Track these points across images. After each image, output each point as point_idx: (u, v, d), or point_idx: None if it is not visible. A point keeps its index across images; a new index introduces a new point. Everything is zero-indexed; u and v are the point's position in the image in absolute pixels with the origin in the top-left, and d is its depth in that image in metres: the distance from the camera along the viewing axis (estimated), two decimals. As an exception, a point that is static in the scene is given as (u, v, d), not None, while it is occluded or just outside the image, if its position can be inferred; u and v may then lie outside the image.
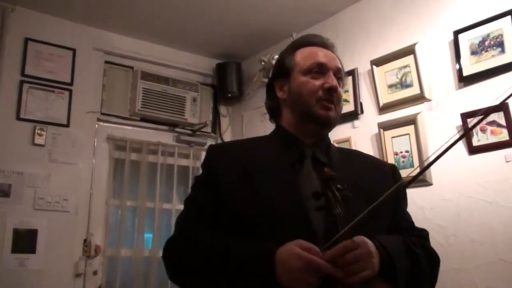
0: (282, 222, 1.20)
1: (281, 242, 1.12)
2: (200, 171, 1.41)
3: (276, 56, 3.63)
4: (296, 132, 1.37)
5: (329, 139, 1.45)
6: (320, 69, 1.34)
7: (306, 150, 1.35)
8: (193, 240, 1.26)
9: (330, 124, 1.36)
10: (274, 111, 1.46)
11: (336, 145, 3.21)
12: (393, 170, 1.45)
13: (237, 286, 1.14)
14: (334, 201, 1.14)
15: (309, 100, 1.32)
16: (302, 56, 1.38)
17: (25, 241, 3.15)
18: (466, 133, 0.90)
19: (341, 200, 1.14)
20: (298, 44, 1.43)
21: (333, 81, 1.33)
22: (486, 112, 0.91)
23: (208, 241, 1.23)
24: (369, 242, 1.12)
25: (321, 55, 1.37)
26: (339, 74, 1.38)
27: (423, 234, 1.41)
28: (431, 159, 1.04)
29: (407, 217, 1.44)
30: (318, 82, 1.32)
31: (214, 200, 1.28)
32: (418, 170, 1.09)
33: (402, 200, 1.42)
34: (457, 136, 0.96)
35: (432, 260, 1.31)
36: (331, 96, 1.32)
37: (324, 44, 1.41)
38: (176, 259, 1.29)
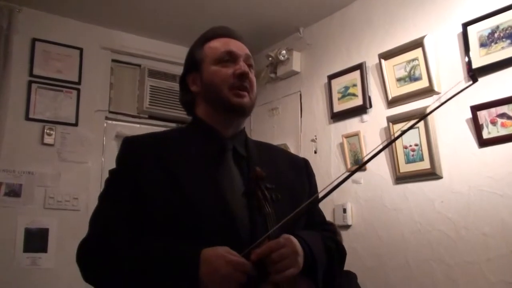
0: (208, 223, 1.17)
1: (206, 242, 1.11)
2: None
3: (284, 52, 3.67)
4: (214, 123, 1.34)
5: (245, 132, 1.43)
6: (230, 57, 1.32)
7: (227, 143, 1.33)
8: (112, 244, 1.20)
9: (245, 112, 1.35)
10: (189, 106, 1.41)
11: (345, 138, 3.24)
12: (306, 165, 1.49)
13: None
14: (264, 201, 1.16)
15: (222, 88, 1.30)
16: (211, 47, 1.36)
17: (36, 240, 3.19)
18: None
19: (270, 200, 1.16)
20: (206, 38, 1.40)
21: (244, 66, 1.32)
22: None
23: (128, 245, 1.17)
24: (295, 240, 1.14)
25: (230, 44, 1.36)
26: (249, 61, 1.36)
27: (332, 229, 1.48)
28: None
29: (320, 212, 1.49)
30: (229, 70, 1.31)
31: (132, 197, 1.21)
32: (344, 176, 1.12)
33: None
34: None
35: (342, 255, 1.38)
36: (243, 82, 1.31)
37: (231, 34, 1.40)
38: (94, 264, 1.24)
